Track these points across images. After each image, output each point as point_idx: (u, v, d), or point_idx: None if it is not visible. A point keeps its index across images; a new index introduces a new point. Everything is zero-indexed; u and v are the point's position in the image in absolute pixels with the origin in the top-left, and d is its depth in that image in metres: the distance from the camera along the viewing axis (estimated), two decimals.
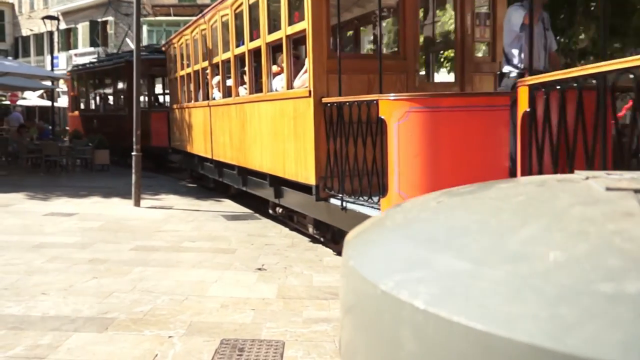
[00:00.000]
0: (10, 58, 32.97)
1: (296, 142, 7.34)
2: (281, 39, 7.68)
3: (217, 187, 12.99)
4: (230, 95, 10.43)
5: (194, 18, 12.68)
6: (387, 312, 0.81)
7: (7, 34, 49.47)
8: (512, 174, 5.05)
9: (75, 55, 42.49)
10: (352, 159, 6.14)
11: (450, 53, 11.69)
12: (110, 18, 39.99)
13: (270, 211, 9.20)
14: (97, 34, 40.57)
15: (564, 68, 4.57)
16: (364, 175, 5.94)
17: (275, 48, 8.35)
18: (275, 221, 9.40)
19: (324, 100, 6.71)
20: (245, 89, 9.63)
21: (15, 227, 8.86)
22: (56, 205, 11.13)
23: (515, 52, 6.24)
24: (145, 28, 32.05)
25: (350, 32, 10.56)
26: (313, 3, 6.75)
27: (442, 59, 14.67)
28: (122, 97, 20.86)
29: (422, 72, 9.32)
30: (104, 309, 5.02)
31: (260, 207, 10.14)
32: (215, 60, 11.14)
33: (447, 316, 0.72)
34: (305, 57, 7.37)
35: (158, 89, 21.52)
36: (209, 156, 12.02)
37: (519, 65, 6.18)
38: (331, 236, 7.36)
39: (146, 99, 19.97)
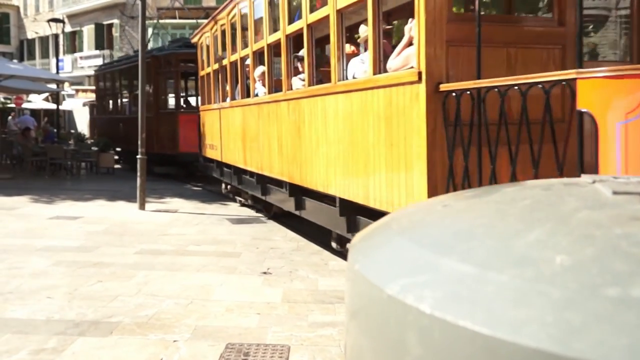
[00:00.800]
0: (15, 61, 33.08)
1: (390, 152, 5.01)
2: (360, 1, 5.55)
3: (254, 202, 10.75)
4: (278, 90, 8.07)
5: None
6: (392, 316, 0.81)
7: (12, 37, 49.66)
8: None
9: (81, 58, 42.69)
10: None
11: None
12: (115, 21, 40.16)
13: (334, 244, 7.00)
14: (103, 37, 40.76)
15: None
16: None
17: (349, 20, 6.34)
18: (285, 226, 9.37)
19: (444, 87, 4.39)
20: (302, 79, 7.31)
21: (20, 230, 8.87)
22: (61, 208, 11.15)
23: None
24: (150, 31, 32.11)
25: None
26: None
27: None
28: (148, 97, 18.48)
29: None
30: (108, 313, 5.02)
31: (318, 234, 8.01)
32: (258, 45, 8.90)
33: (452, 320, 0.72)
34: (410, 24, 5.09)
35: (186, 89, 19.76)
36: (250, 168, 9.82)
37: None
38: None
39: (173, 99, 17.96)
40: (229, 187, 12.35)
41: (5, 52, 44.25)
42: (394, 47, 5.37)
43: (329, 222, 6.73)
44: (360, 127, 5.55)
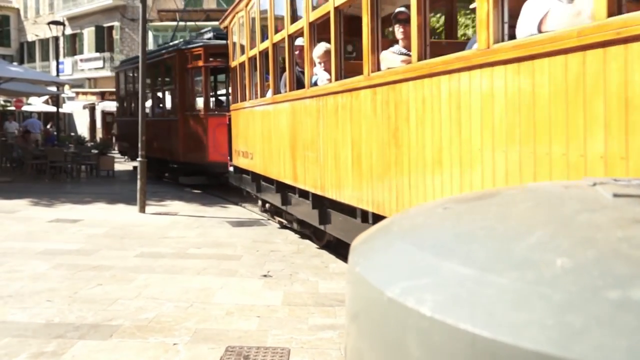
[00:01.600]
0: (15, 63, 33.09)
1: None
2: None
3: (302, 226, 8.30)
4: (352, 75, 5.58)
5: None
6: (393, 318, 0.81)
7: (12, 40, 49.71)
8: None
9: (81, 60, 42.72)
10: None
11: None
12: (116, 23, 40.23)
13: None
14: (103, 39, 40.81)
15: None
16: None
17: None
18: (291, 230, 9.36)
19: None
20: (402, 53, 5.23)
21: (20, 233, 8.87)
22: (61, 211, 11.16)
23: None
24: (151, 33, 32.14)
25: None
26: None
27: None
28: (173, 97, 16.51)
29: None
30: (108, 316, 5.01)
31: None
32: (317, 14, 6.25)
33: (453, 323, 0.72)
34: None
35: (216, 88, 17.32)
36: (302, 186, 7.18)
37: None
38: None
39: (201, 100, 15.58)
40: (267, 205, 9.80)
41: (6, 54, 44.28)
42: None
43: None
44: (537, 122, 3.01)
